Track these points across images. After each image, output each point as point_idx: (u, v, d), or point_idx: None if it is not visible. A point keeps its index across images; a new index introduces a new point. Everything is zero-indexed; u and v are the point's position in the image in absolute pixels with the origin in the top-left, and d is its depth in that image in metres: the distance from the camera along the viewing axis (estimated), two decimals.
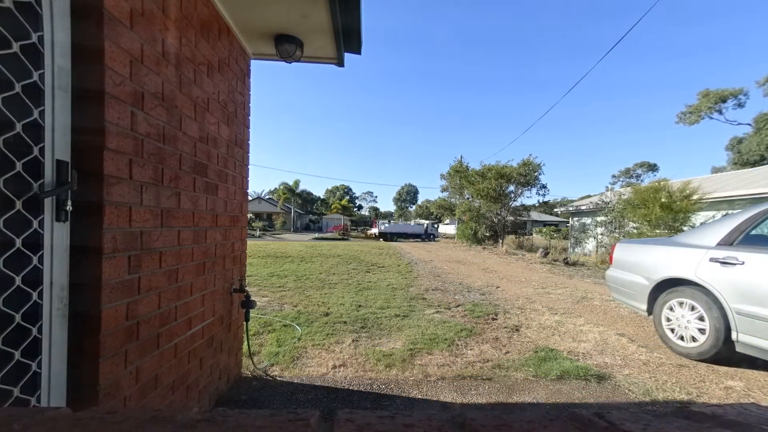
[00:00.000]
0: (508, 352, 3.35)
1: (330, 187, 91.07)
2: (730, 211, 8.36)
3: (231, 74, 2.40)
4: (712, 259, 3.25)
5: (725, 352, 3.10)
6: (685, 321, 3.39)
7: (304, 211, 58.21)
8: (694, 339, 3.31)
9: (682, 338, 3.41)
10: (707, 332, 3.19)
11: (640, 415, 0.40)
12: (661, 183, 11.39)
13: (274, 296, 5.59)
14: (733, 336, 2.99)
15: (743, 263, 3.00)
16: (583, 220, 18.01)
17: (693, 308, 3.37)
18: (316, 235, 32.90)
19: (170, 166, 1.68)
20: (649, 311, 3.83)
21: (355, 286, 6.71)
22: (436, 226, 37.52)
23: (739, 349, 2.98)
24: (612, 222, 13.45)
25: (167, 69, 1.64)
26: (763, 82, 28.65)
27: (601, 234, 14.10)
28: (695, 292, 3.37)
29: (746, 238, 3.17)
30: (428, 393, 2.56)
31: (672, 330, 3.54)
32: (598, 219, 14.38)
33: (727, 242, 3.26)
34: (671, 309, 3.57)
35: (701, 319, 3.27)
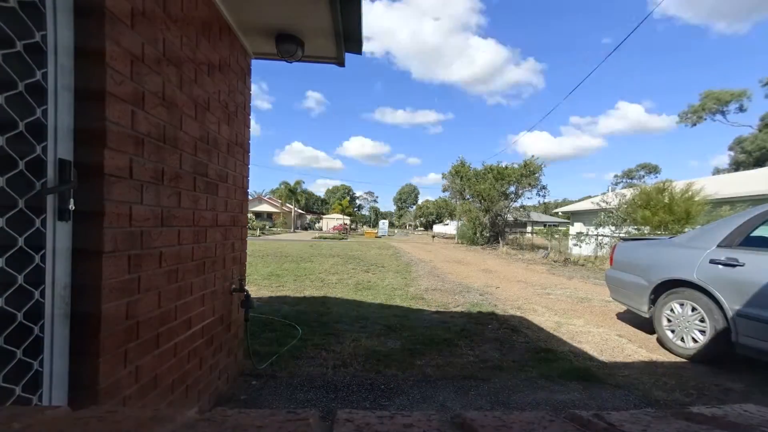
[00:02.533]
0: (507, 353, 3.35)
1: (330, 187, 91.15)
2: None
3: (232, 74, 2.40)
4: (712, 261, 3.24)
5: (725, 354, 3.09)
6: (686, 322, 3.39)
7: (304, 211, 58.24)
8: (694, 340, 3.31)
9: (682, 339, 3.41)
10: (707, 334, 3.19)
11: (639, 416, 0.40)
12: (665, 184, 11.40)
13: (274, 296, 5.59)
14: (733, 337, 2.99)
15: (744, 265, 2.99)
16: (584, 221, 18.00)
17: (693, 309, 3.36)
18: (316, 234, 32.90)
19: (171, 165, 1.68)
20: (650, 312, 3.83)
21: (354, 285, 6.71)
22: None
23: (739, 350, 2.98)
24: (613, 223, 13.45)
25: (168, 68, 1.64)
26: (766, 82, 28.61)
27: (602, 235, 14.09)
28: (695, 294, 3.36)
29: (747, 240, 3.16)
30: (428, 393, 2.56)
31: (672, 331, 3.54)
32: (599, 220, 14.37)
33: (727, 244, 3.24)
34: (671, 310, 3.57)
35: (701, 320, 3.27)
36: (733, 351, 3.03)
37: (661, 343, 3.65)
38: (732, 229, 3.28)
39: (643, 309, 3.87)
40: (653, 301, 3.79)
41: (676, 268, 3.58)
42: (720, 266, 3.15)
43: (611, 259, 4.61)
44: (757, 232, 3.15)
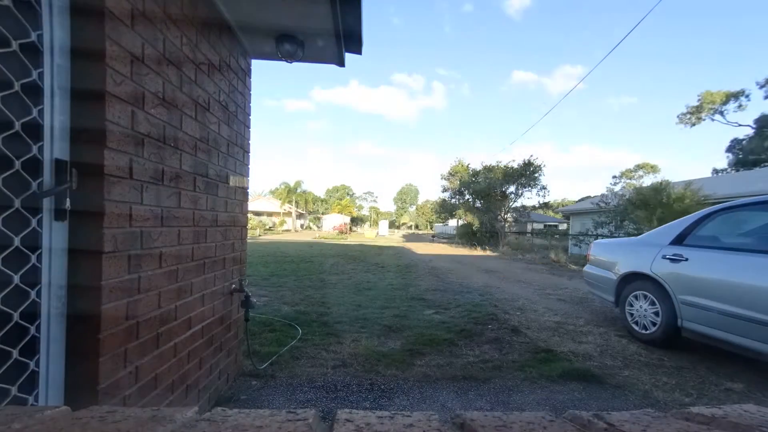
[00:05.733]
0: (507, 353, 3.35)
1: (330, 187, 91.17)
2: None
3: (232, 74, 2.40)
4: (664, 256, 3.66)
5: (675, 337, 3.53)
6: (644, 310, 3.80)
7: (304, 210, 58.23)
8: (653, 324, 3.67)
9: (643, 327, 3.81)
10: (660, 319, 3.59)
11: (639, 417, 0.40)
12: (663, 184, 11.41)
13: (274, 296, 5.59)
14: (679, 323, 3.42)
15: (687, 260, 3.42)
16: (584, 221, 18.00)
17: (646, 297, 3.79)
18: (316, 234, 32.91)
19: (171, 165, 1.68)
20: (616, 302, 4.27)
21: (355, 286, 6.71)
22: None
23: (684, 333, 3.43)
24: (612, 222, 13.44)
25: (168, 68, 1.64)
26: (764, 83, 28.58)
27: (601, 235, 14.08)
28: (651, 285, 3.76)
29: (692, 238, 3.58)
30: (428, 393, 2.56)
31: (631, 315, 3.97)
32: (599, 220, 14.37)
33: (677, 241, 3.67)
34: (634, 298, 3.98)
35: (655, 310, 3.66)
36: (679, 334, 3.47)
37: (627, 329, 4.06)
38: (682, 228, 3.71)
39: (611, 299, 4.35)
40: (619, 293, 4.22)
41: (637, 262, 4.01)
42: (669, 261, 3.59)
43: (588, 256, 5.08)
44: (701, 231, 3.55)
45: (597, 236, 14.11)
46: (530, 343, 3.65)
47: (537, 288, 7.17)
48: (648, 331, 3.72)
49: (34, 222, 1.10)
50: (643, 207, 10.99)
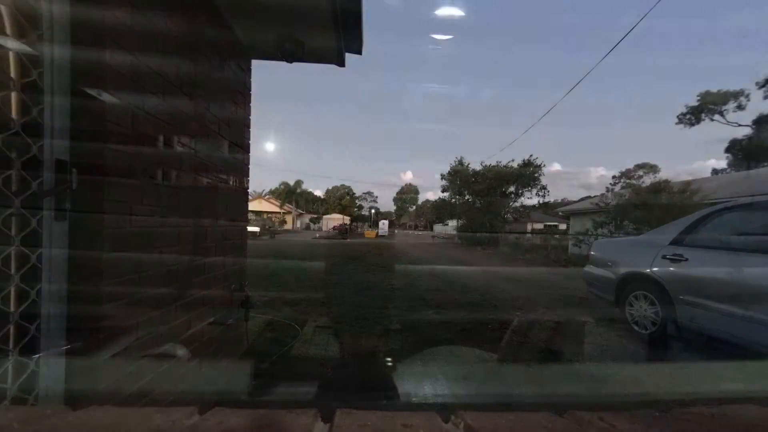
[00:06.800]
0: (508, 353, 3.35)
1: (330, 187, 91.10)
2: None
3: (232, 74, 2.40)
4: (664, 256, 3.66)
5: (674, 337, 3.52)
6: (644, 310, 3.79)
7: (304, 210, 58.21)
8: (653, 324, 3.68)
9: (644, 326, 3.79)
10: (660, 319, 3.58)
11: (639, 416, 0.40)
12: (662, 184, 11.42)
13: (274, 296, 5.59)
14: (679, 322, 3.40)
15: (688, 260, 3.43)
16: (584, 221, 17.99)
17: (648, 298, 3.76)
18: (317, 234, 32.93)
19: (171, 165, 1.68)
20: (617, 302, 4.23)
21: (354, 286, 6.71)
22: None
23: (683, 333, 3.42)
24: (612, 222, 13.43)
25: (168, 68, 1.64)
26: (763, 83, 28.56)
27: (602, 235, 14.06)
28: (651, 285, 3.75)
29: (692, 238, 3.59)
30: (428, 392, 2.56)
31: (632, 315, 3.93)
32: (598, 220, 14.36)
33: (677, 241, 3.67)
34: (634, 298, 3.97)
35: (655, 308, 3.65)
36: (679, 334, 3.45)
37: (627, 329, 4.06)
38: (682, 228, 3.72)
39: (611, 299, 4.30)
40: (619, 293, 4.22)
41: (637, 262, 4.00)
42: (669, 261, 3.59)
43: (588, 256, 5.08)
44: (701, 231, 3.56)
45: (597, 236, 14.10)
46: (530, 343, 3.65)
47: (537, 288, 7.17)
48: (648, 331, 3.72)
49: (34, 222, 1.10)
50: (643, 207, 10.99)
